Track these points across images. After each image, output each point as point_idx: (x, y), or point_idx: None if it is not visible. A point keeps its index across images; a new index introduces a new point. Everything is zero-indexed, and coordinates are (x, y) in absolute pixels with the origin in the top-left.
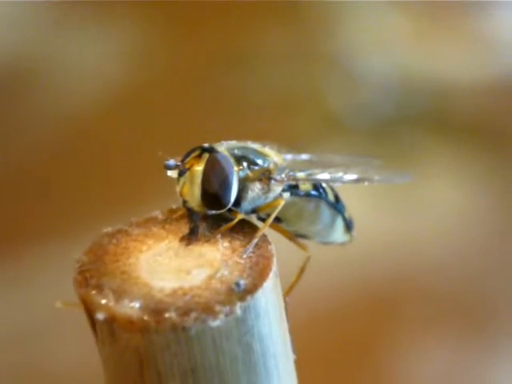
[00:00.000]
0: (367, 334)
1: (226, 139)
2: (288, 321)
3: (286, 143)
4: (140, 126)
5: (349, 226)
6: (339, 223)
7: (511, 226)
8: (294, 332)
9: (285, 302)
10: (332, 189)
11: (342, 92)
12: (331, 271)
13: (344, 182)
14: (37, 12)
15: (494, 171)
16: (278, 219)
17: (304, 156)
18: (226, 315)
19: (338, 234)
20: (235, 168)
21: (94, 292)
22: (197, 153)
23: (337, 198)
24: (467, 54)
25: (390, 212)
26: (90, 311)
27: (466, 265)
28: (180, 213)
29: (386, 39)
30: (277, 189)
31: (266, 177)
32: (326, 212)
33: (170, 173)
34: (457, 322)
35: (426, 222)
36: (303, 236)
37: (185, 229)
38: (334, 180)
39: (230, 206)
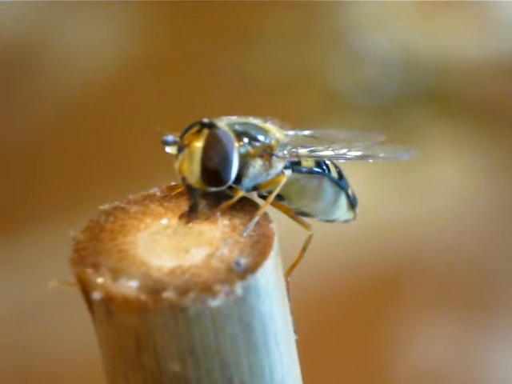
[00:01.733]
0: (371, 313)
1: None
2: (289, 300)
3: (289, 122)
4: (142, 103)
5: (352, 203)
6: (342, 200)
7: None
8: (302, 312)
9: (286, 281)
10: (335, 165)
11: (345, 70)
12: (336, 252)
13: (348, 159)
14: None
15: (498, 150)
16: (279, 197)
17: (307, 132)
18: (226, 295)
19: (342, 211)
20: (236, 144)
21: (90, 271)
22: (196, 128)
23: (340, 174)
24: (471, 32)
25: (393, 192)
26: (86, 291)
27: (468, 245)
28: (179, 190)
29: (389, 17)
30: (278, 165)
31: (267, 153)
32: (329, 189)
33: (168, 149)
34: (459, 301)
35: (430, 202)
36: (306, 214)
37: (184, 206)
38: (337, 156)
39: (230, 183)
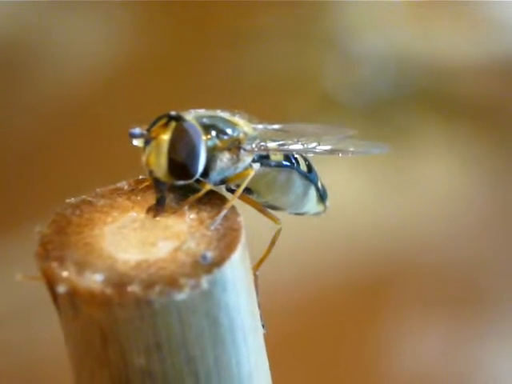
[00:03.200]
0: (363, 314)
1: None
2: (257, 295)
3: (280, 122)
4: (136, 103)
5: (322, 196)
6: (312, 193)
7: (508, 206)
8: (293, 311)
9: (254, 275)
10: (304, 158)
11: (338, 72)
12: (327, 253)
13: (317, 153)
14: None
15: (492, 151)
16: (248, 190)
17: (276, 125)
18: (192, 288)
19: (312, 204)
20: (203, 137)
21: (55, 264)
22: (163, 121)
23: (309, 167)
24: (465, 33)
25: (385, 193)
26: (51, 284)
27: (461, 246)
28: (147, 183)
29: (382, 18)
30: (247, 159)
31: (235, 146)
32: (298, 182)
33: (135, 142)
34: (451, 301)
35: (422, 203)
36: (275, 207)
37: (152, 200)
38: (306, 150)
39: (197, 176)
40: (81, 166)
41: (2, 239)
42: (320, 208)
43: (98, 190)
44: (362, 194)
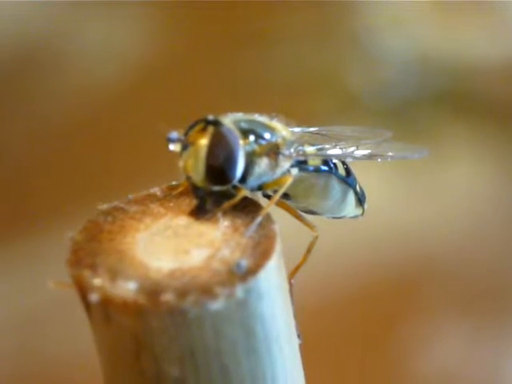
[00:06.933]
0: (386, 317)
1: None
2: (293, 303)
3: (304, 122)
4: (156, 106)
5: (360, 200)
6: (351, 197)
7: None
8: (314, 314)
9: (290, 284)
10: (343, 162)
11: (361, 71)
12: (351, 254)
13: (356, 158)
14: None
15: None
16: (286, 195)
17: (313, 129)
18: (227, 297)
19: (350, 208)
20: (241, 142)
21: (87, 272)
22: (201, 126)
23: (347, 171)
24: (489, 33)
25: (408, 194)
26: (83, 292)
27: (484, 247)
28: (180, 189)
29: (406, 18)
30: (285, 164)
31: (273, 152)
32: (336, 187)
33: (172, 146)
34: (476, 305)
35: (445, 204)
36: (313, 212)
37: (185, 206)
38: (345, 155)
39: (235, 181)
40: (93, 172)
41: (7, 248)
42: (358, 211)
43: (130, 196)
44: (387, 195)
